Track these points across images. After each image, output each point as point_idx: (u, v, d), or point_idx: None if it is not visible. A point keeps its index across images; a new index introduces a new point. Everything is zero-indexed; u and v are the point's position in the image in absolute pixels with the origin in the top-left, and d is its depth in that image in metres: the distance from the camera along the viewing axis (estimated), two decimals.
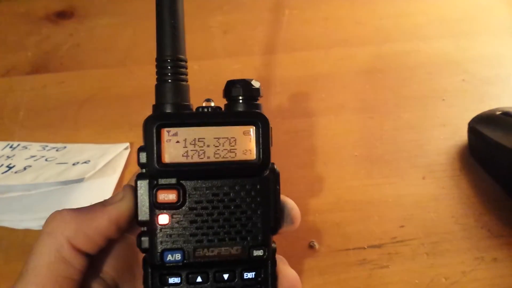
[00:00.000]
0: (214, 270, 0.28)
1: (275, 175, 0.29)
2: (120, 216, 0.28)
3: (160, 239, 0.28)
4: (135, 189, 0.28)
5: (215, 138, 0.28)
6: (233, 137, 0.28)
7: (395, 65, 0.61)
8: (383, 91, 0.58)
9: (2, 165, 0.49)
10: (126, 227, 0.29)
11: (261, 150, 0.28)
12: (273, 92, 0.58)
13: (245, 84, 0.29)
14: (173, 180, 0.28)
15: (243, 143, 0.28)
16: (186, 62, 0.30)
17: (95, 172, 0.47)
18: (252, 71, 0.61)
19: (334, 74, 0.60)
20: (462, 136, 0.52)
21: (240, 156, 0.28)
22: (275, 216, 0.29)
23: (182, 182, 0.28)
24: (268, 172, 0.29)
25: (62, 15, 0.69)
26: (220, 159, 0.28)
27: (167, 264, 0.28)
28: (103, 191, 0.47)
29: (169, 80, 0.29)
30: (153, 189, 0.27)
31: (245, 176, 0.28)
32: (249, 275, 0.28)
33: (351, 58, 0.62)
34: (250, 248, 0.28)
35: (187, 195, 0.28)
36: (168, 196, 0.27)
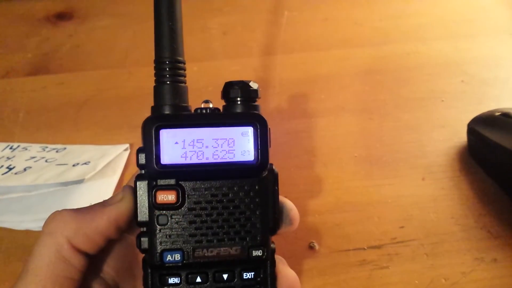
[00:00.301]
0: (213, 270, 0.28)
1: (274, 176, 0.29)
2: (120, 216, 0.28)
3: (159, 240, 0.28)
4: (134, 190, 0.28)
5: (213, 139, 0.28)
6: (232, 138, 0.28)
7: (395, 66, 0.61)
8: (382, 92, 0.58)
9: (2, 166, 0.49)
10: (126, 228, 0.29)
11: (259, 151, 0.28)
12: (272, 93, 0.58)
13: (243, 85, 0.29)
14: (172, 181, 0.28)
15: (242, 144, 0.28)
16: (184, 64, 0.30)
17: (95, 173, 0.47)
18: (251, 73, 0.61)
19: (334, 75, 0.60)
20: (461, 137, 0.52)
21: (238, 157, 0.28)
22: (274, 216, 0.29)
23: (181, 183, 0.28)
24: (266, 172, 0.29)
25: (62, 17, 0.69)
26: (219, 160, 0.28)
27: (167, 265, 0.28)
28: (103, 192, 0.47)
29: (168, 82, 0.29)
30: (152, 190, 0.28)
31: (244, 177, 0.28)
32: (249, 275, 0.29)
33: (350, 59, 0.62)
34: (249, 248, 0.28)
35: (186, 195, 0.28)
36: (167, 197, 0.28)
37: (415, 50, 0.63)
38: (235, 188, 0.28)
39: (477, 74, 0.60)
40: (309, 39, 0.65)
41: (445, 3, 0.70)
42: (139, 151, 0.28)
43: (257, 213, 0.28)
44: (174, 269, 0.28)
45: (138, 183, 0.28)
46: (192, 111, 0.29)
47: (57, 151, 0.51)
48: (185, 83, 0.30)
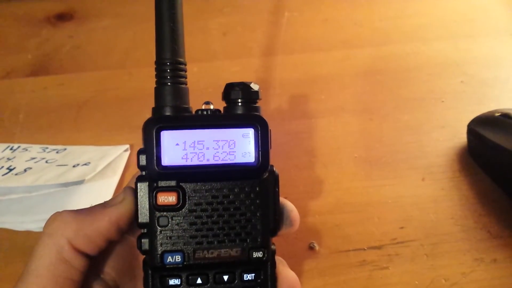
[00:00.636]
0: (214, 272, 0.28)
1: (275, 177, 0.29)
2: (120, 217, 0.28)
3: (160, 241, 0.28)
4: (135, 191, 0.28)
5: (214, 140, 0.28)
6: (232, 140, 0.28)
7: (395, 67, 0.61)
8: (382, 93, 0.58)
9: (2, 167, 0.49)
10: (126, 229, 0.29)
11: (260, 152, 0.28)
12: (272, 94, 0.58)
13: (244, 87, 0.29)
14: (172, 183, 0.28)
15: (242, 145, 0.28)
16: (185, 65, 0.30)
17: (95, 174, 0.48)
18: (252, 73, 0.61)
19: (334, 75, 0.60)
20: (461, 137, 0.52)
21: (239, 159, 0.28)
22: (274, 218, 0.29)
23: (182, 184, 0.28)
24: (267, 174, 0.29)
25: (62, 17, 0.69)
26: (220, 162, 0.28)
27: (167, 266, 0.28)
28: (103, 193, 0.47)
29: (169, 83, 0.29)
30: (153, 191, 0.28)
31: (245, 178, 0.28)
32: (249, 276, 0.29)
33: (350, 60, 0.62)
34: (249, 249, 0.28)
35: (186, 197, 0.28)
36: (168, 199, 0.28)
37: (415, 50, 0.63)
38: (236, 190, 0.28)
39: (477, 75, 0.60)
40: (309, 39, 0.65)
41: (445, 4, 0.70)
42: (139, 152, 0.28)
43: (258, 214, 0.29)
44: (174, 271, 0.28)
45: (138, 184, 0.28)
46: (193, 112, 0.29)
47: (57, 152, 0.51)
48: (186, 84, 0.30)
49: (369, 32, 0.66)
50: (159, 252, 0.28)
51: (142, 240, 0.28)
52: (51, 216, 0.28)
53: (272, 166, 0.29)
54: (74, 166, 0.48)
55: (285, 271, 0.30)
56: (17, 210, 0.45)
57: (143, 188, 0.28)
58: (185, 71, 0.30)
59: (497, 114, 0.49)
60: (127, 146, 0.52)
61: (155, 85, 0.30)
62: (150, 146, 0.27)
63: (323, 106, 0.57)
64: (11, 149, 0.52)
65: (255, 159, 0.28)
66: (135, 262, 0.32)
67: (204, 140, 0.28)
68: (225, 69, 0.62)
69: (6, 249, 0.44)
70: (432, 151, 0.52)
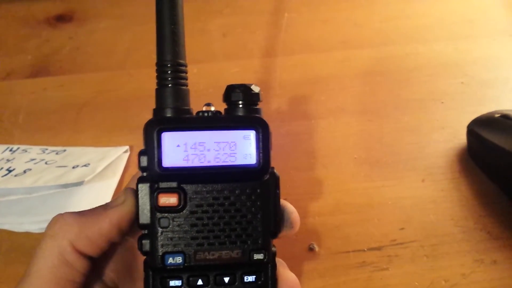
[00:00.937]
0: (214, 273, 0.28)
1: (275, 179, 0.29)
2: (122, 219, 0.28)
3: (161, 242, 0.28)
4: (136, 192, 0.28)
5: (215, 142, 0.28)
6: (233, 142, 0.28)
7: (394, 68, 0.61)
8: (382, 94, 0.58)
9: (2, 168, 0.49)
10: (128, 230, 0.29)
11: (261, 154, 0.28)
12: (272, 95, 0.58)
13: (245, 89, 0.29)
14: (174, 184, 0.28)
15: (243, 147, 0.28)
16: (186, 66, 0.30)
17: (95, 175, 0.47)
18: (252, 74, 0.61)
19: (334, 76, 0.60)
20: (461, 138, 0.52)
21: (240, 160, 0.28)
22: (275, 220, 0.29)
23: (183, 185, 0.28)
24: (268, 176, 0.29)
25: (62, 19, 0.69)
26: (221, 163, 0.28)
27: (168, 267, 0.28)
28: (103, 194, 0.47)
29: (169, 85, 0.29)
30: (154, 192, 0.28)
31: (245, 180, 0.28)
32: (250, 278, 0.29)
33: (350, 61, 0.62)
34: (250, 251, 0.28)
35: (187, 198, 0.28)
36: (169, 200, 0.28)
37: (415, 51, 0.63)
38: (237, 191, 0.28)
39: (477, 76, 0.60)
40: (309, 40, 0.65)
41: (445, 4, 0.70)
42: (140, 153, 0.28)
43: (259, 216, 0.29)
44: (175, 272, 0.28)
45: (139, 185, 0.28)
46: (194, 113, 0.29)
47: (57, 153, 0.51)
48: (187, 85, 0.30)
49: (369, 33, 0.66)
50: (160, 253, 0.28)
51: (143, 241, 0.28)
52: (53, 218, 0.28)
53: (273, 168, 0.29)
54: (73, 167, 0.48)
55: (285, 273, 0.30)
56: (16, 211, 0.45)
57: (144, 189, 0.28)
58: (186, 73, 0.30)
59: (497, 115, 0.49)
60: (127, 147, 0.52)
61: (156, 87, 0.30)
62: (151, 148, 0.27)
63: (323, 107, 0.57)
64: (10, 150, 0.52)
65: (256, 161, 0.28)
66: (134, 263, 0.32)
67: (205, 142, 0.28)
68: (225, 70, 0.62)
69: (5, 250, 0.44)
70: (432, 152, 0.52)
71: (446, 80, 0.59)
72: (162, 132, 0.27)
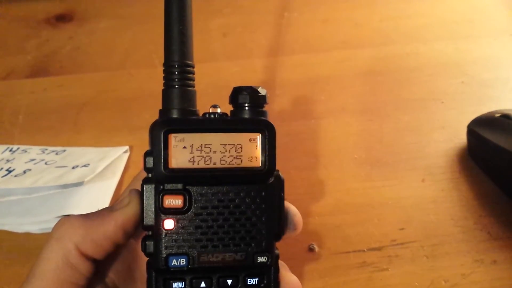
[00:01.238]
0: (217, 276, 0.28)
1: (280, 182, 0.29)
2: (127, 221, 0.28)
3: (165, 244, 0.28)
4: (141, 193, 0.28)
5: (221, 144, 0.28)
6: (239, 144, 0.28)
7: (395, 68, 0.61)
8: (382, 94, 0.58)
9: (1, 168, 0.49)
10: (133, 232, 0.29)
11: (266, 157, 0.28)
12: (272, 94, 0.58)
13: (252, 91, 0.29)
14: (179, 186, 0.28)
15: (249, 150, 0.28)
16: (193, 67, 0.30)
17: (95, 176, 0.47)
18: (252, 74, 0.61)
19: (334, 76, 0.60)
20: (461, 138, 0.52)
21: (246, 163, 0.28)
22: (279, 223, 0.29)
23: (188, 187, 0.28)
24: (273, 179, 0.29)
25: (62, 19, 0.69)
26: (226, 166, 0.28)
27: (172, 269, 0.28)
28: (103, 195, 0.47)
29: (176, 86, 0.29)
30: (159, 194, 0.27)
31: (251, 182, 0.28)
32: (252, 281, 0.29)
33: (350, 61, 0.62)
34: (254, 254, 0.28)
35: (193, 200, 0.28)
36: (174, 201, 0.28)
37: (415, 51, 0.63)
38: (242, 194, 0.28)
39: (478, 75, 0.60)
40: (309, 40, 0.65)
41: (445, 4, 0.70)
42: (146, 154, 0.28)
43: (263, 219, 0.28)
44: (178, 274, 0.28)
45: (145, 186, 0.28)
46: (200, 115, 0.29)
47: (56, 154, 0.51)
48: (194, 87, 0.30)
49: (369, 33, 0.66)
50: (164, 255, 0.27)
51: (147, 243, 0.28)
52: (59, 220, 0.28)
53: (277, 171, 0.29)
54: (73, 168, 0.48)
55: (287, 275, 0.30)
56: (16, 212, 0.45)
57: (149, 190, 0.28)
58: (193, 74, 0.30)
59: (497, 115, 0.49)
60: (127, 147, 0.52)
61: (162, 87, 0.29)
62: (157, 149, 0.27)
63: (323, 107, 0.57)
64: (10, 150, 0.52)
65: (261, 164, 0.28)
66: (135, 264, 0.32)
67: (211, 144, 0.28)
68: (225, 70, 0.62)
69: (5, 250, 0.44)
70: (432, 152, 0.52)
71: (446, 80, 0.59)
72: (168, 134, 0.27)
